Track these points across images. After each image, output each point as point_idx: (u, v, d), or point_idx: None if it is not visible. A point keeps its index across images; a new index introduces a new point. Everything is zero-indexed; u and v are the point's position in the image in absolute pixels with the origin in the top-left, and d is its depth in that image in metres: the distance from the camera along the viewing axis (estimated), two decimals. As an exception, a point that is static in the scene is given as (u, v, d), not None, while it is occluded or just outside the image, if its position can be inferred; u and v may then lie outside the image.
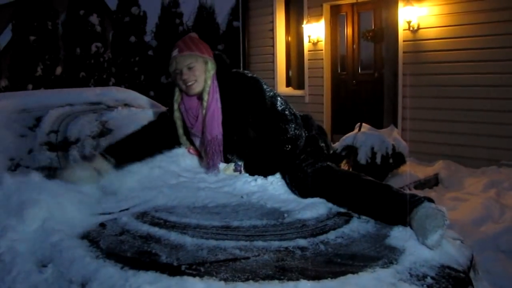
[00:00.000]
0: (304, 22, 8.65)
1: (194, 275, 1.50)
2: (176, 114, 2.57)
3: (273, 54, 9.38)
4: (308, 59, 8.74)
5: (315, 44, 8.55)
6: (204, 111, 2.47)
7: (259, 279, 1.51)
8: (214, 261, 1.62)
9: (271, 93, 2.47)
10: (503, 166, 6.05)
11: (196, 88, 2.46)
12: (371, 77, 8.02)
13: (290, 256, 1.69)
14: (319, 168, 2.27)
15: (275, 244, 1.78)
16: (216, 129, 2.44)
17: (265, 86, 2.48)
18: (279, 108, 2.44)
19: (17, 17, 11.23)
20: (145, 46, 12.55)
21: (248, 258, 1.65)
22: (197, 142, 2.58)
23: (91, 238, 1.80)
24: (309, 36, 8.58)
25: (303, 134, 2.43)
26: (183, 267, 1.57)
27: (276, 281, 1.50)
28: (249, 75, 2.53)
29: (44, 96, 3.24)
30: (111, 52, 12.24)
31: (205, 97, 2.46)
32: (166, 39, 12.45)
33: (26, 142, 2.57)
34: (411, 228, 1.88)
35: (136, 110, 3.09)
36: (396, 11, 7.05)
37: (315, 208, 2.10)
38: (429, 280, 1.61)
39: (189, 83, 2.45)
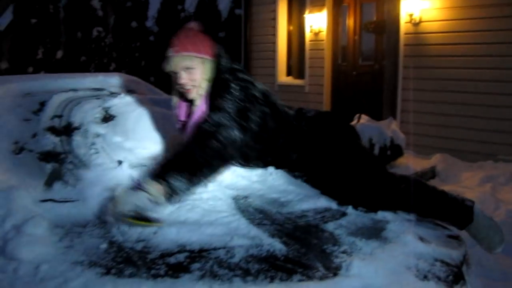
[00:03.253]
0: (306, 11, 8.65)
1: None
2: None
3: (274, 43, 9.38)
4: (309, 49, 8.75)
5: (316, 34, 8.55)
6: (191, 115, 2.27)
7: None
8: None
9: (235, 104, 2.12)
10: (500, 161, 6.10)
11: (195, 93, 2.24)
12: (371, 68, 8.03)
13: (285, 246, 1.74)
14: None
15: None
16: None
17: (236, 97, 2.13)
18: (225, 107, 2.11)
19: (19, 0, 11.20)
20: (146, 31, 12.52)
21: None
22: None
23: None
24: (310, 26, 8.59)
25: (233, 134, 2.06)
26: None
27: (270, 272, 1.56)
28: (232, 84, 2.17)
29: (48, 81, 3.26)
30: (112, 37, 12.23)
31: (197, 102, 2.25)
32: (168, 25, 12.45)
33: (30, 126, 2.60)
34: (471, 233, 2.21)
35: (139, 97, 3.12)
36: (399, 3, 7.07)
37: (314, 199, 2.14)
38: (422, 273, 1.65)
39: (187, 87, 2.22)
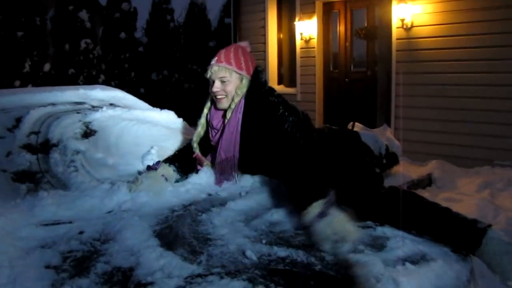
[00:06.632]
0: (296, 19, 8.56)
1: None
2: (202, 121, 2.50)
3: (264, 51, 9.29)
4: (300, 57, 8.66)
5: (307, 41, 8.46)
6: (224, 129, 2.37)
7: None
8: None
9: (289, 119, 2.26)
10: (497, 166, 6.02)
11: (225, 103, 2.37)
12: (363, 75, 7.94)
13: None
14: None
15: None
16: (231, 150, 2.32)
17: (285, 112, 2.27)
18: (289, 131, 2.22)
19: (4, 12, 11.01)
20: (136, 42, 12.40)
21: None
22: (212, 154, 2.50)
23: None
24: (301, 34, 8.50)
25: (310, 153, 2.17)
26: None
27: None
28: (273, 100, 2.32)
29: (25, 95, 3.12)
30: (100, 49, 12.08)
31: (228, 115, 2.35)
32: (157, 36, 12.35)
33: (4, 144, 2.45)
34: (483, 260, 1.86)
35: (121, 110, 2.98)
36: (390, 9, 6.99)
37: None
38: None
39: (218, 97, 2.36)
